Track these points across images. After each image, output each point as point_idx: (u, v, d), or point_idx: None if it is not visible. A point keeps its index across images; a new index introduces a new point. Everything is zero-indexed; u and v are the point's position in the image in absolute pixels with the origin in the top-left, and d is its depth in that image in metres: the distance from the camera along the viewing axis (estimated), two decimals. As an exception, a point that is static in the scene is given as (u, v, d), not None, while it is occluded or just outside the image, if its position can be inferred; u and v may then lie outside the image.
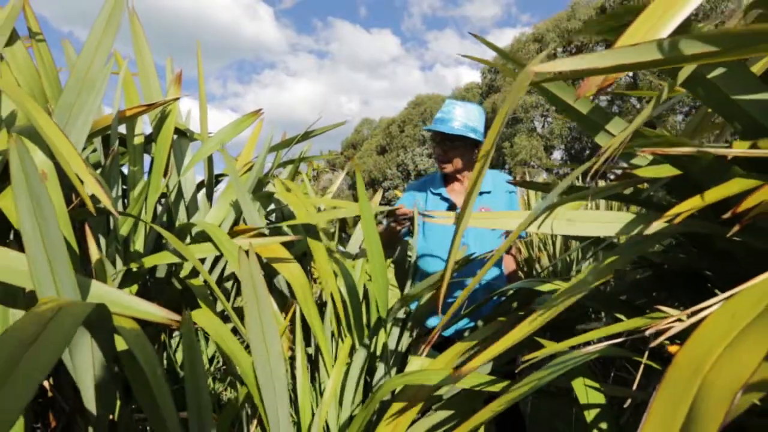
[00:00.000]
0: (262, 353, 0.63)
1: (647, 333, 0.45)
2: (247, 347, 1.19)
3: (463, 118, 1.42)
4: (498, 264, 1.51)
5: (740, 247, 0.62)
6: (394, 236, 1.42)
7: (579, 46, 21.14)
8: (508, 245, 0.60)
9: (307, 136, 1.76)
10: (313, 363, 1.37)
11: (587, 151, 22.09)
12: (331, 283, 1.23)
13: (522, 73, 0.60)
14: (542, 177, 22.35)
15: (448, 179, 1.54)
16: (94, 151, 1.40)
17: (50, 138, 0.82)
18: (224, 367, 1.56)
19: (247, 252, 0.63)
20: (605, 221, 0.66)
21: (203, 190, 1.71)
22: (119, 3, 1.15)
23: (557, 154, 23.88)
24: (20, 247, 0.79)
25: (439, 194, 1.52)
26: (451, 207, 1.48)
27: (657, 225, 0.64)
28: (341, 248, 1.93)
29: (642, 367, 0.63)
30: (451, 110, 1.44)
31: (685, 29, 0.63)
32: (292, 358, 1.18)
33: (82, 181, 0.81)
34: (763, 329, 0.35)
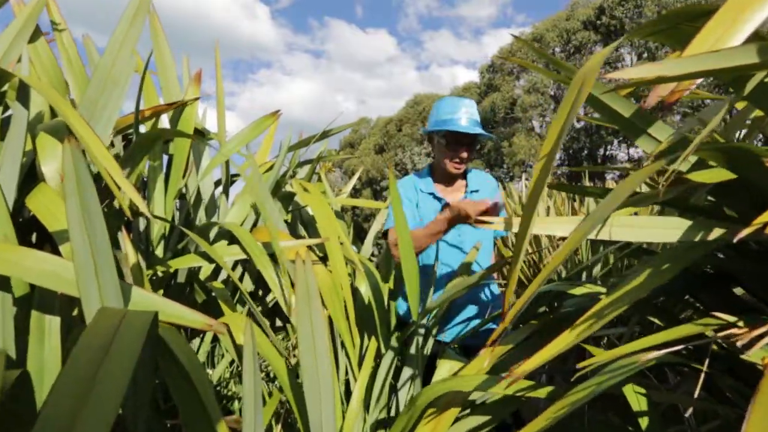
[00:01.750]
0: (312, 368, 0.61)
1: (719, 339, 0.44)
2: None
3: (476, 115, 1.41)
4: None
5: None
6: (439, 234, 1.28)
7: (577, 46, 21.18)
8: (568, 251, 0.59)
9: (325, 135, 1.74)
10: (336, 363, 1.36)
11: (585, 151, 22.15)
12: (345, 287, 1.20)
13: (580, 81, 0.59)
14: (540, 177, 22.30)
15: (437, 178, 1.49)
16: (112, 146, 1.38)
17: (84, 138, 0.80)
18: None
19: (303, 261, 0.62)
20: (664, 227, 0.65)
21: (219, 189, 1.69)
22: (145, 3, 1.12)
23: (556, 154, 23.89)
24: (43, 249, 0.77)
25: (431, 194, 1.46)
26: (446, 206, 1.38)
27: (718, 232, 0.63)
28: (355, 248, 1.92)
29: (702, 376, 0.62)
30: (471, 109, 1.40)
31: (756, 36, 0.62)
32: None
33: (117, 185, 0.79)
34: None
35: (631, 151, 21.75)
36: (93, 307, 0.57)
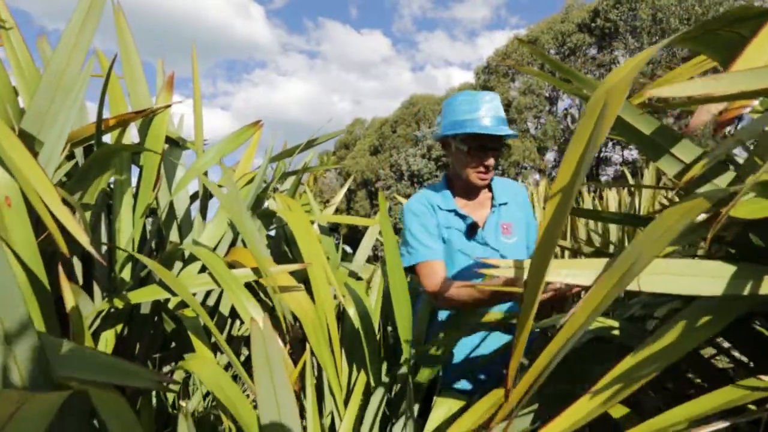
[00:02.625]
0: None
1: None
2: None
3: (502, 111, 1.16)
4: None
5: None
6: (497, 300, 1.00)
7: (572, 48, 21.21)
8: (592, 312, 0.47)
9: (310, 144, 1.61)
10: (320, 396, 1.24)
11: (580, 153, 22.14)
12: (330, 317, 1.08)
13: (603, 98, 0.47)
14: (534, 178, 22.39)
15: (456, 191, 1.24)
16: (70, 159, 1.25)
17: (13, 161, 0.67)
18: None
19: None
20: (704, 275, 0.54)
21: (196, 203, 1.56)
22: (101, -4, 0.99)
23: (550, 156, 23.94)
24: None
25: (452, 210, 1.20)
26: (473, 227, 1.18)
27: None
28: (345, 264, 1.79)
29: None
30: (494, 103, 1.14)
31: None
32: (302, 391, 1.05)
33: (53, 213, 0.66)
34: None
35: (626, 153, 21.81)
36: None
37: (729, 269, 0.53)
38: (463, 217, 1.19)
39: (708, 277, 0.53)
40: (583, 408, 0.55)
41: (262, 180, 1.38)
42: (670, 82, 0.87)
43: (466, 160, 1.16)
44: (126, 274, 1.17)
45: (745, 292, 0.51)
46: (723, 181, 0.74)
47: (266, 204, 1.55)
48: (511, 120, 22.32)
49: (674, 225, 0.48)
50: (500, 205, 1.22)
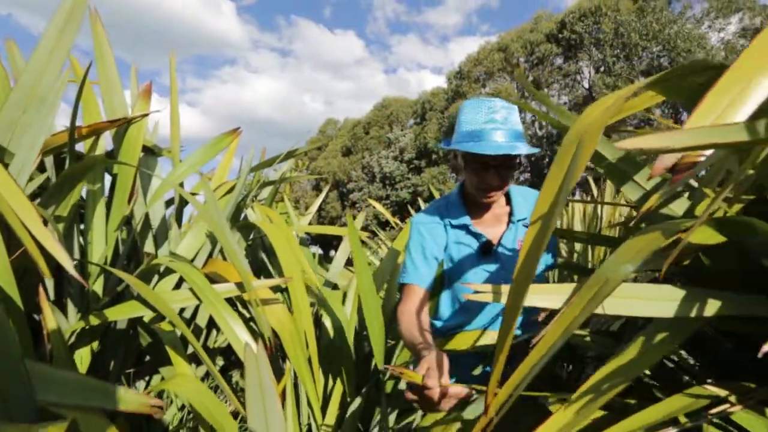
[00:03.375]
0: None
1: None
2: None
3: (515, 123, 1.01)
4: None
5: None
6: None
7: (540, 57, 21.94)
8: (563, 334, 0.52)
9: (290, 155, 1.62)
10: (299, 404, 1.25)
11: (546, 159, 22.92)
12: (309, 331, 1.08)
13: (578, 137, 0.52)
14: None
15: (470, 205, 1.11)
16: (42, 171, 1.21)
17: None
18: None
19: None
20: (661, 299, 0.60)
21: (171, 208, 1.53)
22: (81, 3, 0.97)
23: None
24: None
25: (464, 227, 1.09)
26: (486, 245, 1.07)
27: (714, 306, 0.58)
28: (323, 274, 1.81)
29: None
30: (502, 114, 0.99)
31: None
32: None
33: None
34: None
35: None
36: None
37: (679, 293, 0.60)
38: (476, 234, 1.08)
39: (664, 301, 0.59)
40: (561, 419, 0.60)
41: (241, 191, 1.38)
42: (631, 109, 0.95)
43: (468, 177, 1.05)
44: (99, 288, 1.15)
45: (693, 314, 0.58)
46: (678, 205, 0.81)
47: (245, 213, 1.54)
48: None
49: (636, 255, 0.53)
50: (518, 221, 1.10)
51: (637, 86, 0.63)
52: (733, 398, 0.62)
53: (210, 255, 1.36)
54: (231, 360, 1.59)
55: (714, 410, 0.60)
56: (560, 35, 20.93)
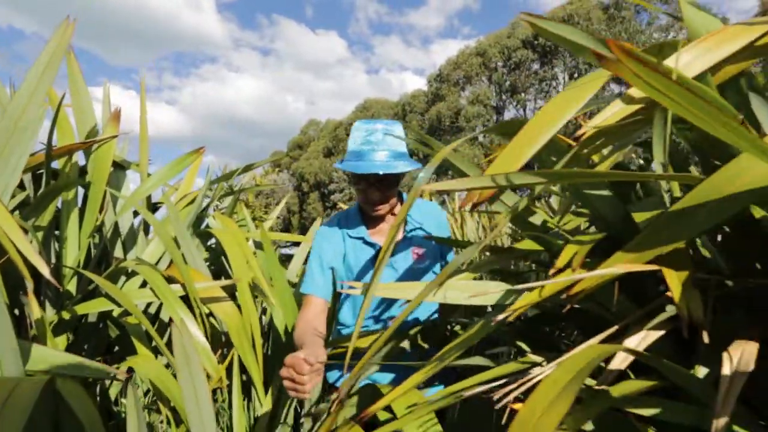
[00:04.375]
0: (196, 416, 0.72)
1: (495, 396, 0.61)
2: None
3: (395, 143, 1.11)
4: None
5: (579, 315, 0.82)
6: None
7: (517, 63, 22.54)
8: (408, 312, 0.75)
9: (247, 168, 1.82)
10: (247, 390, 1.46)
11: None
12: (255, 326, 1.29)
13: (413, 190, 0.75)
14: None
15: (367, 216, 1.20)
16: (22, 188, 1.38)
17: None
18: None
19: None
20: (487, 291, 0.84)
21: (139, 218, 1.72)
22: (60, 49, 1.16)
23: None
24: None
25: (360, 238, 1.19)
26: (379, 254, 1.13)
27: (528, 298, 0.82)
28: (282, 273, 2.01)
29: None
30: (381, 139, 1.10)
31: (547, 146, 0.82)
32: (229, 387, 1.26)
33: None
34: (569, 393, 0.52)
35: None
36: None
37: (503, 286, 0.84)
38: (371, 244, 1.18)
39: (488, 293, 0.83)
40: (416, 379, 0.83)
41: (201, 202, 1.57)
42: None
43: (356, 192, 1.16)
44: (72, 288, 1.33)
45: (507, 303, 0.82)
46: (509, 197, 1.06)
47: (206, 222, 1.74)
48: (459, 128, 23.21)
49: (463, 258, 0.77)
50: (412, 230, 1.20)
51: (486, 131, 0.87)
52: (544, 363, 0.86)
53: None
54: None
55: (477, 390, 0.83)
56: (536, 41, 21.55)
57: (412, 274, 1.20)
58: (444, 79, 24.96)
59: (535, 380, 0.65)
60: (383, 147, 1.10)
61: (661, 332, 0.69)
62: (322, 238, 1.20)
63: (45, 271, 0.82)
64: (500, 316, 0.71)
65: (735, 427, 0.58)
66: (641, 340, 0.71)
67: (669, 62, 0.72)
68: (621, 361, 0.68)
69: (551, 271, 0.69)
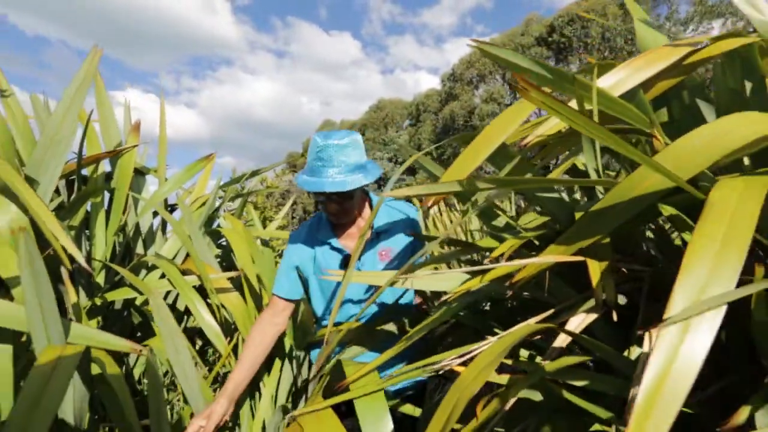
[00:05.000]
0: (183, 376, 0.88)
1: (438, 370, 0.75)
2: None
3: (351, 158, 1.11)
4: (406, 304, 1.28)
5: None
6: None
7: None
8: (376, 297, 0.89)
9: (256, 173, 2.00)
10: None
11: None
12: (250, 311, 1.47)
13: (377, 203, 0.90)
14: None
15: (333, 223, 1.24)
16: (58, 193, 1.58)
17: (28, 203, 1.03)
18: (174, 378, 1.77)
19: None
20: (449, 280, 0.97)
21: (158, 219, 1.91)
22: (89, 74, 1.34)
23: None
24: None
25: (329, 244, 1.22)
26: (346, 259, 1.20)
27: (473, 283, 0.96)
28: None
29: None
30: (332, 155, 1.09)
31: (501, 153, 0.96)
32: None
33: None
34: (497, 359, 0.65)
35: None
36: (40, 343, 0.82)
37: (464, 276, 0.97)
38: (338, 249, 1.22)
39: (449, 281, 0.97)
40: (385, 358, 0.97)
41: (213, 203, 1.75)
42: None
43: (320, 205, 1.19)
44: (101, 279, 1.52)
45: (464, 287, 0.95)
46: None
47: (218, 222, 1.92)
48: (473, 127, 23.14)
49: (446, 257, 0.90)
50: (379, 234, 1.23)
51: (451, 140, 1.01)
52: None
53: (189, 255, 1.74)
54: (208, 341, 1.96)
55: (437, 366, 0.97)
56: (550, 39, 21.33)
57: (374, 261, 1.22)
58: (457, 78, 24.93)
59: (478, 351, 0.79)
60: (334, 163, 1.09)
61: (596, 315, 0.82)
62: (292, 242, 1.26)
63: (81, 259, 0.99)
64: (443, 297, 0.84)
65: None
66: (581, 322, 0.84)
67: (602, 82, 0.85)
68: (563, 340, 0.81)
69: (486, 261, 0.82)
